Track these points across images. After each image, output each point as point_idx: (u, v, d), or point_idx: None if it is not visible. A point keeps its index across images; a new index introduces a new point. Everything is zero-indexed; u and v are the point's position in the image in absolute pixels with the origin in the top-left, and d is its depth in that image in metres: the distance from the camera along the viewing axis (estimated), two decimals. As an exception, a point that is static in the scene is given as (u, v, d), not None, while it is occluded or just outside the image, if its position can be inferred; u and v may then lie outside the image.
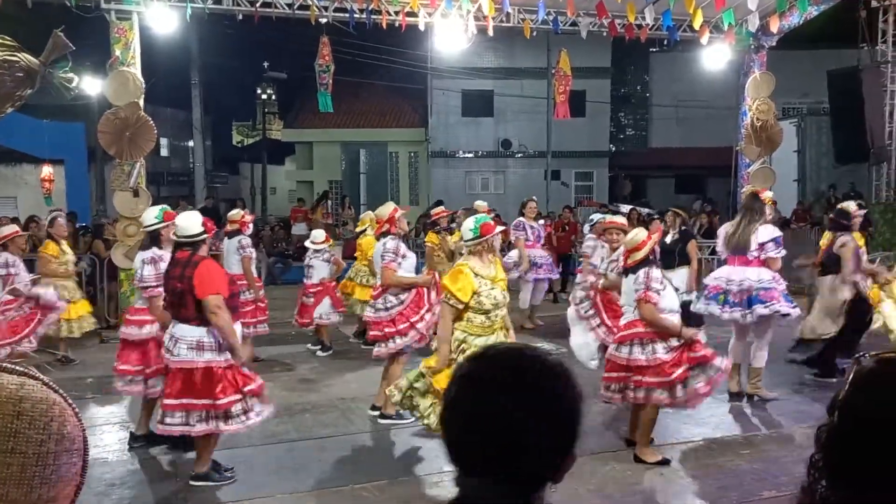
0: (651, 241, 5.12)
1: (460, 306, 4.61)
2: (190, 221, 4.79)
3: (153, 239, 5.31)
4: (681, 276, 8.14)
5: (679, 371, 4.93)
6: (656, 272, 5.04)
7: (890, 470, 1.05)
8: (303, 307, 8.75)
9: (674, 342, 4.98)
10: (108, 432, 6.02)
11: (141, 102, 9.79)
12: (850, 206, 7.58)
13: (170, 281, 4.72)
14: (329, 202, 21.25)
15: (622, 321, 5.27)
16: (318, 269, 8.72)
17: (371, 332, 6.14)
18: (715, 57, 12.27)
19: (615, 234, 6.67)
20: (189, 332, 4.58)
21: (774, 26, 10.82)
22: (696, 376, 4.98)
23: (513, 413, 1.12)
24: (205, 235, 4.79)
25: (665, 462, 5.10)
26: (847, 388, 1.14)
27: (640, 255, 5.06)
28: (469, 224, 4.84)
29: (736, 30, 11.14)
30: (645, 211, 15.90)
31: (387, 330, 5.93)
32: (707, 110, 23.84)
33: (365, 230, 9.05)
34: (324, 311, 8.64)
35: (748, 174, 12.88)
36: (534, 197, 10.99)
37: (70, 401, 0.98)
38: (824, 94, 15.91)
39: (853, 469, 1.09)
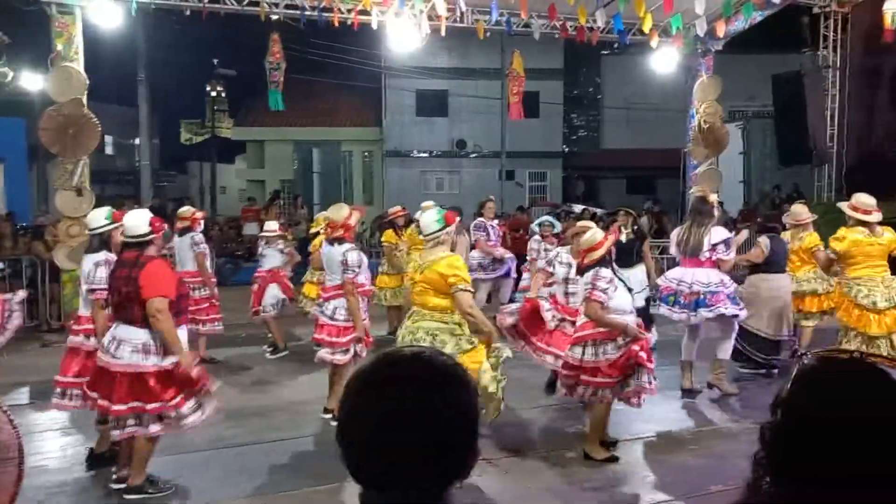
0: (608, 241, 5.15)
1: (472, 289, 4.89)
2: (137, 220, 4.64)
3: (103, 242, 5.14)
4: (637, 274, 8.29)
5: (616, 378, 5.02)
6: (606, 272, 5.06)
7: (831, 467, 1.06)
8: (254, 295, 8.68)
9: (621, 340, 5.02)
10: (48, 439, 5.82)
11: (84, 99, 9.52)
12: (801, 209, 7.80)
13: (115, 282, 4.56)
14: (281, 202, 21.01)
15: (579, 321, 5.29)
16: (270, 258, 8.65)
17: (318, 336, 6.08)
18: (664, 60, 12.48)
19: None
20: (134, 335, 4.44)
21: (721, 31, 11.04)
22: (640, 373, 5.05)
23: (442, 411, 1.10)
24: (153, 235, 4.65)
25: (613, 459, 5.15)
26: (790, 387, 1.15)
27: (596, 254, 5.07)
28: (433, 216, 5.00)
29: (684, 34, 11.34)
30: (597, 211, 16.09)
31: (339, 339, 5.91)
32: (657, 112, 24.25)
33: (319, 231, 8.97)
34: (270, 301, 8.51)
35: (696, 175, 13.13)
36: (491, 197, 11.03)
37: (5, 408, 0.93)
38: (769, 98, 16.31)
39: (796, 466, 1.10)
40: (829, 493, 1.07)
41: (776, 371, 7.40)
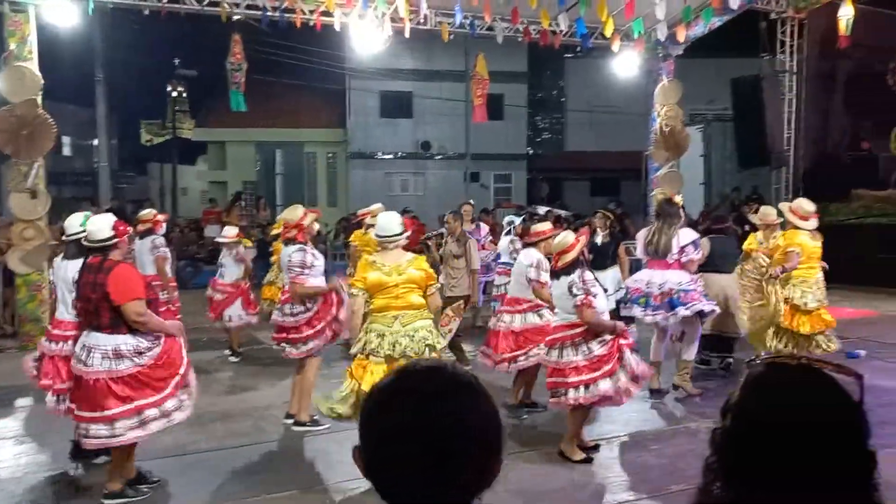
0: (580, 243, 5.13)
1: None
2: (100, 225, 4.56)
3: (80, 247, 5.00)
4: (612, 276, 8.38)
5: (610, 365, 5.02)
6: (589, 274, 5.09)
7: (780, 470, 1.07)
8: (211, 302, 8.56)
9: (607, 337, 5.03)
10: (1, 448, 5.67)
11: (39, 99, 9.32)
12: (770, 210, 7.93)
13: (82, 288, 4.47)
14: (243, 203, 20.76)
15: (553, 322, 5.24)
16: (230, 269, 8.53)
17: (276, 335, 6.01)
18: (626, 64, 12.63)
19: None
20: (104, 341, 4.36)
21: (681, 35, 11.21)
22: (625, 370, 5.08)
23: (465, 424, 1.09)
24: (116, 239, 4.56)
25: (588, 460, 5.16)
26: (739, 392, 1.16)
27: (569, 257, 5.05)
28: (395, 219, 5.14)
29: (645, 38, 11.49)
30: (562, 213, 16.20)
31: (293, 335, 5.84)
32: (620, 115, 24.51)
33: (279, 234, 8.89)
34: (234, 312, 8.44)
35: (657, 178, 13.31)
36: (471, 201, 11.08)
37: None
38: (728, 102, 16.61)
39: (746, 470, 1.11)
40: (778, 496, 1.08)
41: (729, 366, 7.57)
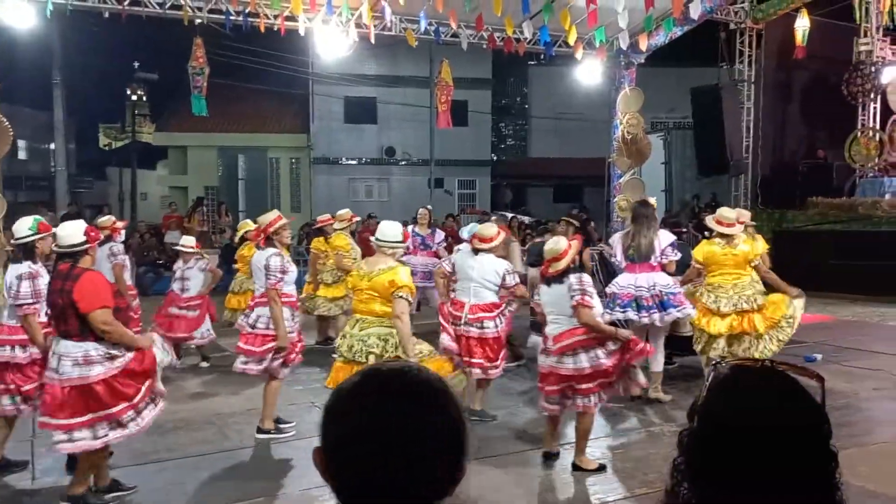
0: (572, 249, 5.10)
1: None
2: (71, 230, 4.49)
3: (27, 252, 4.95)
4: None
5: (617, 369, 5.04)
6: (587, 278, 5.08)
7: (745, 472, 1.10)
8: (179, 319, 8.25)
9: (611, 345, 5.00)
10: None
11: (-5, 102, 9.11)
12: (730, 213, 8.03)
13: (51, 295, 4.42)
14: (205, 209, 20.52)
15: (552, 331, 5.11)
16: (196, 281, 8.31)
17: (241, 345, 5.91)
18: (589, 72, 12.78)
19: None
20: (73, 349, 4.30)
21: (643, 44, 11.36)
22: (634, 372, 5.14)
23: (428, 427, 1.08)
24: (87, 245, 4.49)
25: (602, 469, 5.14)
26: (705, 394, 1.19)
27: (561, 264, 5.01)
28: (397, 227, 5.31)
29: (607, 47, 11.63)
30: (525, 219, 16.31)
31: (254, 348, 5.78)
32: (583, 122, 24.79)
33: (245, 239, 8.81)
34: (203, 328, 8.31)
35: (620, 185, 13.47)
36: (428, 206, 11.10)
37: None
38: (688, 110, 16.89)
39: (712, 472, 1.14)
40: (744, 496, 1.11)
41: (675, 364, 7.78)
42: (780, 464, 1.09)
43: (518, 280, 6.47)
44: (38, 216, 5.30)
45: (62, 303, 4.31)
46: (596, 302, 5.11)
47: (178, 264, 8.47)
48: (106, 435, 4.36)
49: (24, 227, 5.03)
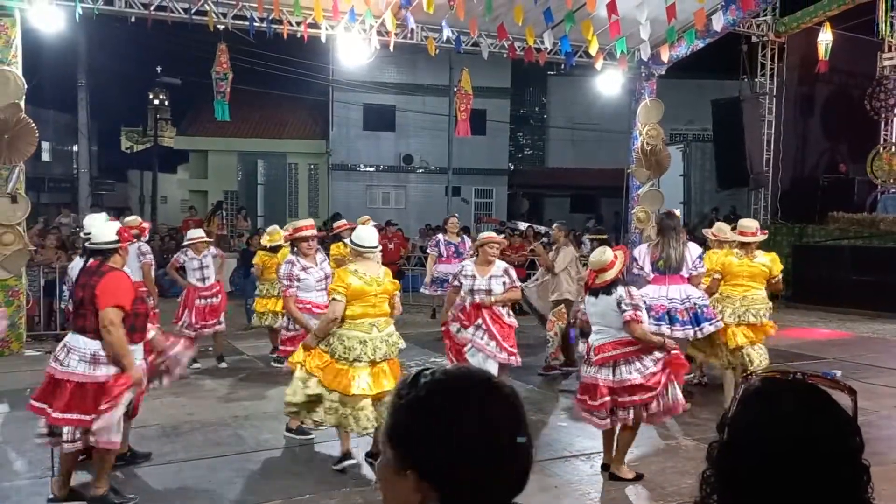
0: (618, 261, 5.03)
1: None
2: (103, 229, 4.57)
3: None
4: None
5: (664, 380, 5.01)
6: (635, 290, 5.06)
7: (777, 483, 1.10)
8: (208, 309, 8.34)
9: (658, 354, 5.00)
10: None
11: (22, 103, 9.23)
12: (752, 224, 8.00)
13: (75, 290, 4.52)
14: (223, 213, 20.67)
15: (596, 341, 5.07)
16: (212, 268, 8.47)
17: (284, 348, 6.12)
18: (609, 83, 12.78)
19: (491, 247, 6.54)
20: (84, 344, 4.34)
21: (665, 55, 11.37)
22: (672, 388, 5.09)
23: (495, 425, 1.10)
24: (118, 244, 4.55)
25: (640, 477, 5.12)
26: (736, 406, 1.19)
27: (609, 275, 4.97)
28: (372, 231, 5.43)
29: (628, 58, 11.63)
30: (542, 229, 16.30)
31: (289, 348, 5.87)
32: (601, 133, 24.74)
33: (279, 245, 8.89)
34: (221, 315, 8.49)
35: (638, 196, 13.44)
36: (456, 214, 11.21)
37: None
38: (709, 122, 16.82)
39: (742, 484, 1.14)
40: (773, 510, 1.11)
41: None
42: (810, 476, 1.09)
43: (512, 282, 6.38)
44: (104, 214, 5.54)
45: (83, 297, 4.36)
46: (644, 315, 5.07)
47: (191, 255, 8.42)
48: (109, 432, 4.33)
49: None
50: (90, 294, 4.32)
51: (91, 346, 4.34)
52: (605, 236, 10.00)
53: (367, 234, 5.33)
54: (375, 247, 5.32)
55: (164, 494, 4.85)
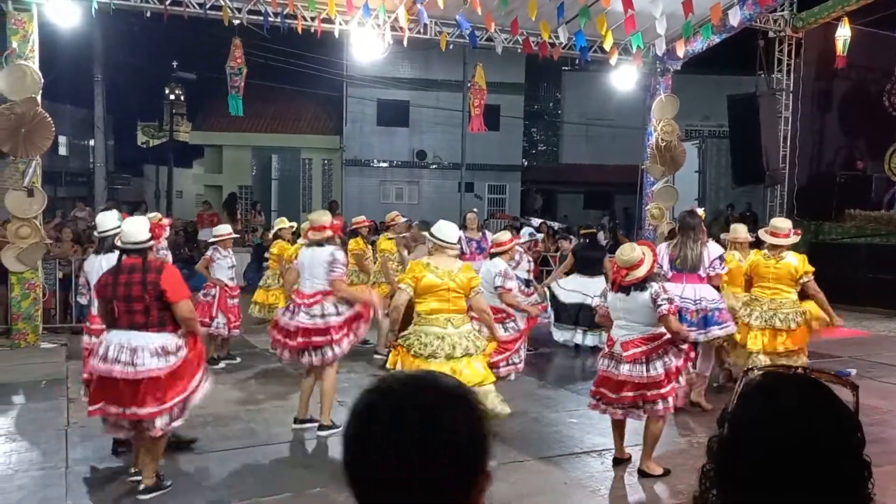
0: (648, 257, 5.04)
1: None
2: (137, 227, 4.64)
3: (114, 244, 5.07)
4: (601, 283, 8.45)
5: (678, 380, 5.07)
6: (669, 285, 5.19)
7: (777, 477, 1.10)
8: (238, 309, 8.37)
9: (683, 346, 5.08)
10: (-9, 446, 5.66)
11: (39, 98, 9.32)
12: (784, 223, 7.89)
13: (117, 288, 4.49)
14: (238, 208, 20.78)
15: (621, 337, 5.06)
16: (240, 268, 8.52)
17: (304, 339, 5.89)
18: (623, 78, 12.71)
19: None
20: (152, 340, 4.45)
21: (680, 51, 11.28)
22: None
23: (453, 434, 1.07)
24: (152, 242, 4.69)
25: (667, 472, 5.11)
26: (736, 401, 1.19)
27: (640, 272, 4.97)
28: (454, 227, 5.40)
29: (643, 53, 11.56)
30: (555, 225, 16.25)
31: (317, 338, 5.77)
32: (615, 129, 24.62)
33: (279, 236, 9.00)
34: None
35: (652, 192, 13.37)
36: (474, 209, 11.18)
37: None
38: (724, 118, 16.66)
39: (742, 477, 1.14)
40: (774, 502, 1.10)
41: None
42: (811, 471, 1.08)
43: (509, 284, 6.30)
44: (115, 210, 5.65)
45: (143, 295, 4.43)
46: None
47: (223, 252, 8.27)
48: (180, 416, 4.60)
49: (109, 221, 5.48)
50: (155, 291, 4.43)
51: (158, 339, 4.47)
52: (593, 230, 10.06)
53: (448, 228, 5.33)
54: (456, 242, 5.30)
55: (176, 487, 4.88)
